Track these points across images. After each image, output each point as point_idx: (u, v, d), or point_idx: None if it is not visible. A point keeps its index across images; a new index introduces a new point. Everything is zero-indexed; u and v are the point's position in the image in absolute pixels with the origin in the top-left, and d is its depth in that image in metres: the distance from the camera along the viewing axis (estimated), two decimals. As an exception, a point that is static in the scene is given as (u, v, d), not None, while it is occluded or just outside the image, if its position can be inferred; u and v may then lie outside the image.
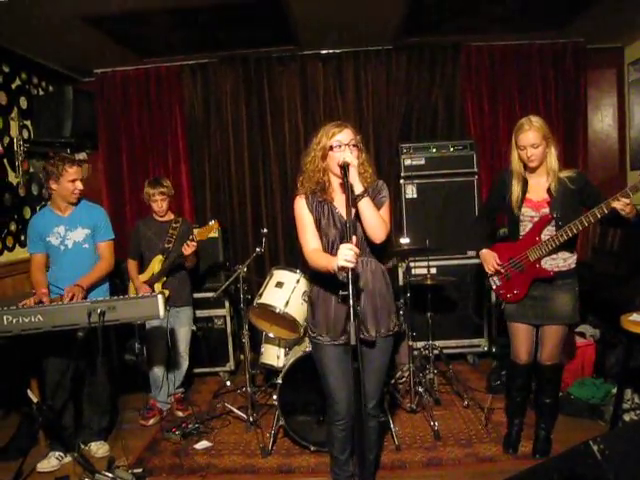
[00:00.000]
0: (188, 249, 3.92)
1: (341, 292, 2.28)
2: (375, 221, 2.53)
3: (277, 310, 3.73)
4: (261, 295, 3.86)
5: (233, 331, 5.02)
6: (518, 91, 5.28)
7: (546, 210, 3.10)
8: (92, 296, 3.50)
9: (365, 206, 2.51)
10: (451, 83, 5.28)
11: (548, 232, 3.11)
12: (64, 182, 3.49)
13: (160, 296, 3.16)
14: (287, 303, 3.72)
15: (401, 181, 5.00)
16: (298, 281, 3.81)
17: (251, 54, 5.23)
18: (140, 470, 3.36)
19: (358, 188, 2.49)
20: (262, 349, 4.25)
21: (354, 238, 2.33)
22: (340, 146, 2.58)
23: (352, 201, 2.45)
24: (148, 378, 4.34)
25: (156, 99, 5.40)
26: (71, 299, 3.35)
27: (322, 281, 2.66)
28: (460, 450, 3.53)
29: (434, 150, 4.97)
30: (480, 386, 4.51)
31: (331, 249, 2.63)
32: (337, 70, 5.29)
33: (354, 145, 2.61)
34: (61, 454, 3.58)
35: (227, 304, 4.96)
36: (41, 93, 5.30)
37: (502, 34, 5.06)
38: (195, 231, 3.97)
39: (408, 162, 4.96)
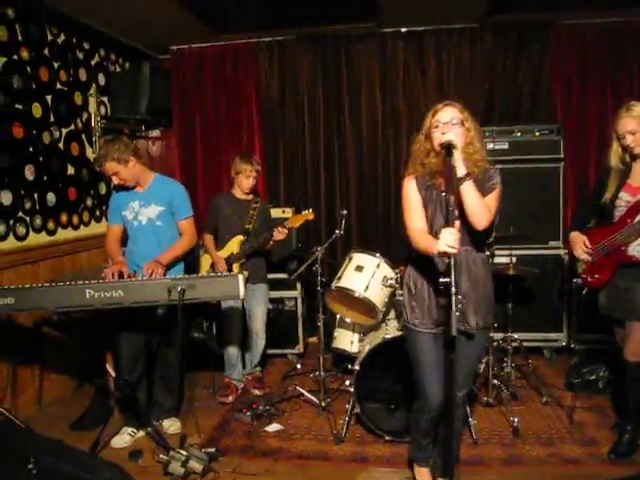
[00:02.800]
0: (279, 235, 3.89)
1: (441, 279, 2.20)
2: (477, 207, 2.37)
3: (357, 294, 3.63)
4: (340, 278, 3.77)
5: (304, 313, 4.96)
6: (611, 73, 4.93)
7: None
8: (168, 275, 3.49)
9: (467, 190, 2.35)
10: (538, 64, 4.99)
11: None
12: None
13: (241, 276, 3.11)
14: (367, 288, 3.62)
15: (482, 166, 4.77)
16: (378, 265, 3.70)
17: (329, 31, 5.09)
18: (213, 450, 3.34)
19: (460, 170, 2.34)
20: (335, 333, 4.17)
21: (457, 223, 2.23)
22: (438, 126, 2.45)
23: (454, 184, 2.33)
24: (215, 356, 4.34)
25: (232, 76, 5.33)
26: (150, 275, 3.33)
27: (421, 266, 2.59)
28: (542, 449, 3.35)
29: (518, 134, 4.73)
30: (558, 383, 4.30)
31: (437, 235, 2.50)
32: (418, 49, 5.09)
33: (454, 124, 2.44)
34: (134, 430, 3.61)
35: (299, 286, 4.90)
36: (118, 70, 5.35)
37: (596, 11, 4.73)
38: (288, 218, 3.94)
39: (491, 146, 4.72)
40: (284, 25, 4.95)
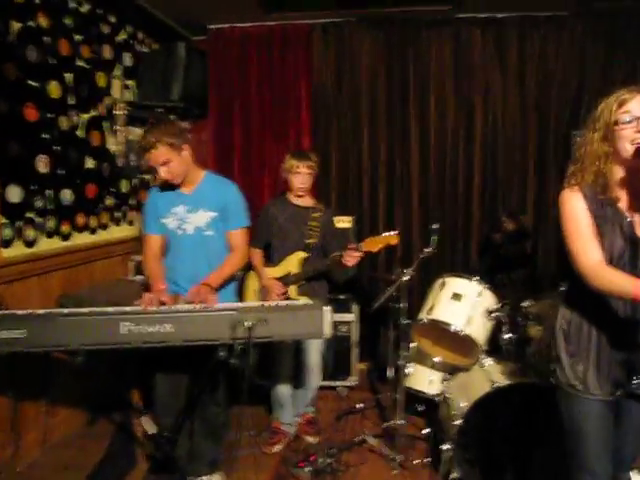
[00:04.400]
0: (351, 260, 3.11)
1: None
2: None
3: (455, 329, 2.96)
4: (432, 309, 3.07)
5: (363, 340, 4.29)
6: None
7: None
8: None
9: None
10: (635, 59, 4.31)
11: None
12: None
13: (327, 310, 2.41)
14: (468, 321, 2.93)
15: (569, 174, 4.14)
16: (480, 294, 3.01)
17: (396, 14, 4.39)
18: (275, 524, 2.64)
19: None
20: (408, 369, 3.47)
21: None
22: (630, 121, 1.82)
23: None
24: (255, 387, 3.63)
25: (279, 62, 4.63)
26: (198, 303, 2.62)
27: (589, 309, 1.96)
28: None
29: (615, 139, 4.08)
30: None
31: (614, 266, 1.87)
32: (497, 38, 4.42)
33: None
34: (170, 489, 2.91)
35: (354, 308, 4.21)
36: (145, 50, 4.63)
37: None
38: (364, 241, 3.15)
39: (584, 152, 4.09)
40: (343, 4, 4.25)
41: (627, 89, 1.88)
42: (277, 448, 3.45)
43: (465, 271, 3.72)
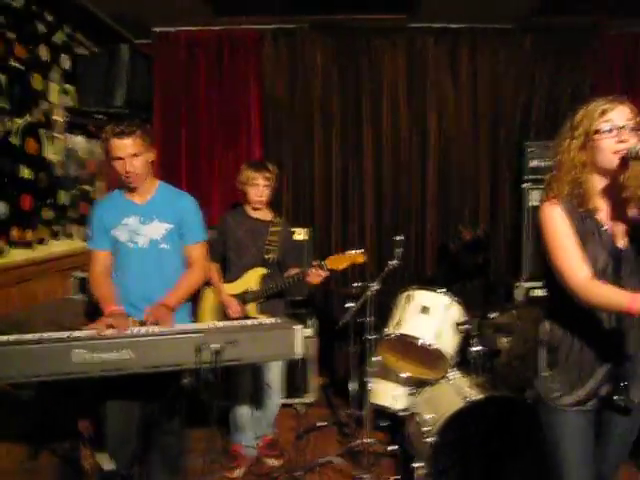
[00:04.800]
0: (315, 278, 3.03)
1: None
2: None
3: (424, 343, 2.89)
4: (400, 323, 2.99)
5: (320, 355, 4.16)
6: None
7: None
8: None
9: None
10: (581, 72, 4.44)
11: None
12: (111, 160, 2.63)
13: (298, 328, 2.29)
14: (438, 335, 2.87)
15: (524, 185, 4.24)
16: (448, 307, 2.95)
17: (349, 22, 4.34)
18: None
19: None
20: (370, 385, 3.38)
21: None
22: (611, 130, 1.81)
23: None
24: (210, 408, 3.45)
25: (229, 68, 4.46)
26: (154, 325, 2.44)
27: (574, 322, 1.92)
28: None
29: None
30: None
31: (598, 279, 1.83)
32: (451, 49, 4.44)
33: (633, 129, 1.80)
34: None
35: (311, 322, 4.07)
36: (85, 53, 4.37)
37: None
38: (329, 259, 3.05)
39: (534, 163, 4.18)
40: (295, 10, 4.13)
41: (606, 99, 1.87)
42: (238, 473, 3.27)
43: (419, 283, 3.70)
